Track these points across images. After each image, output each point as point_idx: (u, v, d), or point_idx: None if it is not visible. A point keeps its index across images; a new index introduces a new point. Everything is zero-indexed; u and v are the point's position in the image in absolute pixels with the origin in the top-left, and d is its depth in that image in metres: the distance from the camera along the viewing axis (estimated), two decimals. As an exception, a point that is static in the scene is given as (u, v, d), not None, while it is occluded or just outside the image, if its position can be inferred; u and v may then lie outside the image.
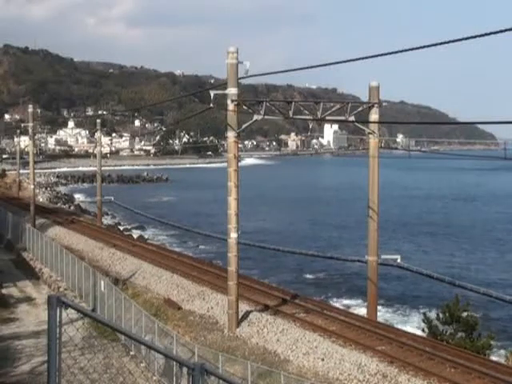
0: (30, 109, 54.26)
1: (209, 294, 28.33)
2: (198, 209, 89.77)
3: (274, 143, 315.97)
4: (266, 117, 25.15)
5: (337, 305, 34.14)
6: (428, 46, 14.04)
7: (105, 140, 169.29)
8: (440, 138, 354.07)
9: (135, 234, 62.13)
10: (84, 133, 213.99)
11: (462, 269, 52.17)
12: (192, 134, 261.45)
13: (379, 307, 29.51)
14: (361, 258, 34.13)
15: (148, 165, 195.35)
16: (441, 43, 13.44)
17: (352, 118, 25.73)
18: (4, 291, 32.02)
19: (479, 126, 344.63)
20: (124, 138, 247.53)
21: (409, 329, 30.16)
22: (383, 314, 35.52)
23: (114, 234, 48.49)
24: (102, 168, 60.35)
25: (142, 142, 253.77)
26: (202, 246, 61.30)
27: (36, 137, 71.83)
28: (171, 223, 58.65)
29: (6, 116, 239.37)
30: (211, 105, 24.35)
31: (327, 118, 26.47)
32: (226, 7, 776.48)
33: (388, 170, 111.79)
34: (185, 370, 4.47)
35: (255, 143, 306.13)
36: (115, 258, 38.10)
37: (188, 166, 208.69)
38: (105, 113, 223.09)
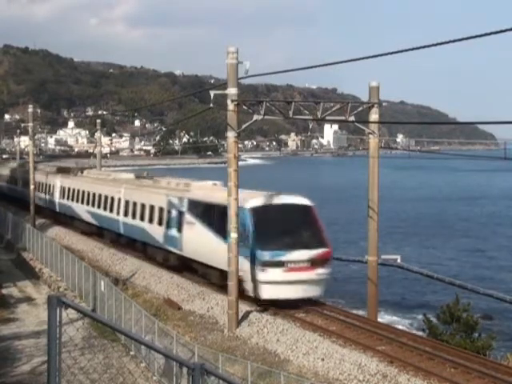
0: (30, 109, 54.18)
1: (209, 293, 28.32)
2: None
3: (274, 143, 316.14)
4: (266, 117, 25.09)
5: (337, 305, 34.10)
6: (428, 46, 14.06)
7: (105, 140, 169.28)
8: (440, 138, 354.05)
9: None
10: (84, 133, 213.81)
11: (463, 269, 52.18)
12: (192, 134, 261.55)
13: (379, 307, 29.46)
14: (361, 258, 34.17)
15: (148, 165, 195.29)
16: (441, 43, 13.46)
17: (352, 118, 25.69)
18: (4, 291, 31.96)
19: (479, 126, 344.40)
20: (124, 138, 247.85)
21: (409, 329, 30.19)
22: (383, 314, 35.48)
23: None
24: (102, 168, 60.29)
25: (142, 142, 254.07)
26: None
27: (36, 137, 71.70)
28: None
29: (6, 116, 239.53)
30: (211, 105, 24.36)
31: (327, 118, 26.42)
32: (226, 7, 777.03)
33: (387, 170, 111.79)
34: (185, 370, 4.48)
35: (255, 143, 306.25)
36: (115, 258, 38.08)
37: (187, 166, 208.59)
38: (105, 113, 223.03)
